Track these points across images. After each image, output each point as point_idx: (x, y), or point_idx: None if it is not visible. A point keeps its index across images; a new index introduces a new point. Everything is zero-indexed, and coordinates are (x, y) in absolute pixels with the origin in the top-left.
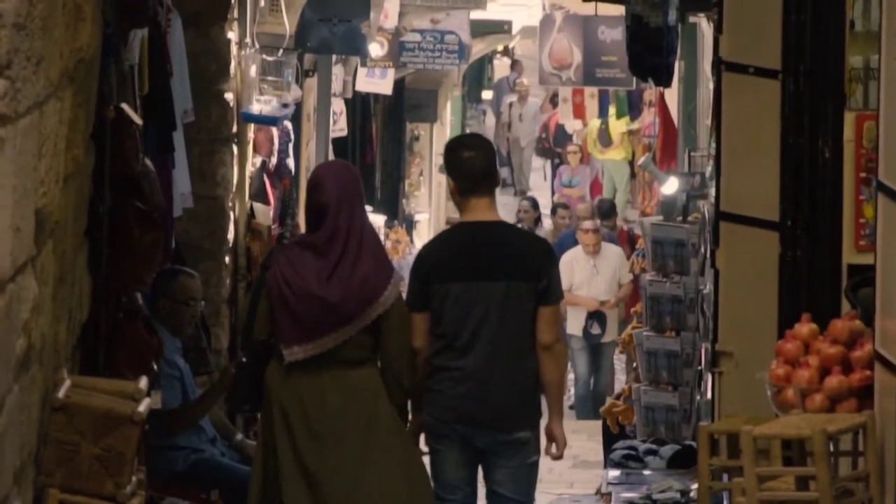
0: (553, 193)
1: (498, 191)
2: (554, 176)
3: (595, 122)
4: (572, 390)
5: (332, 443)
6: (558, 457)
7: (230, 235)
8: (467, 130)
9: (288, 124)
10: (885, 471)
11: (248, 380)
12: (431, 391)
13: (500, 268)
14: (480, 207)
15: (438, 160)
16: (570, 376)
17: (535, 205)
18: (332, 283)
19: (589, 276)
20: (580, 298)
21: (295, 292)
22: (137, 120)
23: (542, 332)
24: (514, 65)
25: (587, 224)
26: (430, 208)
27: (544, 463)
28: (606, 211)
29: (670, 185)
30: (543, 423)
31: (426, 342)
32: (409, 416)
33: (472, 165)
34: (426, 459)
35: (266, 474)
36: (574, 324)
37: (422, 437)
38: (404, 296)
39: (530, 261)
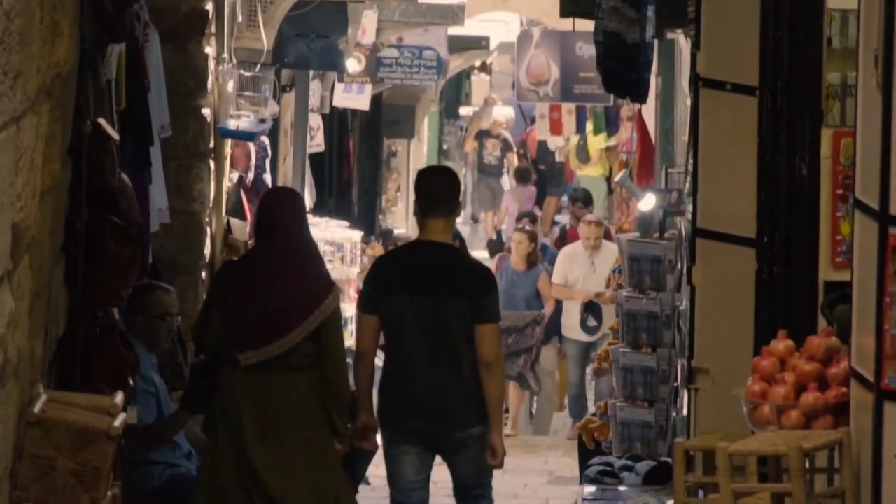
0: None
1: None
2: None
3: (575, 139)
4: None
5: (273, 438)
6: (498, 466)
7: (207, 251)
8: (444, 146)
9: (265, 139)
10: (861, 487)
11: (202, 383)
12: (386, 400)
13: (443, 285)
14: (436, 229)
15: (415, 176)
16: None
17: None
18: (279, 294)
19: (586, 272)
20: (574, 291)
21: (247, 303)
22: (114, 135)
23: (483, 348)
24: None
25: (590, 216)
26: (406, 224)
27: (520, 479)
28: (584, 199)
29: (647, 202)
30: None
31: (373, 345)
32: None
33: (433, 188)
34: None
35: (214, 468)
36: (570, 322)
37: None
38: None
39: (471, 282)
